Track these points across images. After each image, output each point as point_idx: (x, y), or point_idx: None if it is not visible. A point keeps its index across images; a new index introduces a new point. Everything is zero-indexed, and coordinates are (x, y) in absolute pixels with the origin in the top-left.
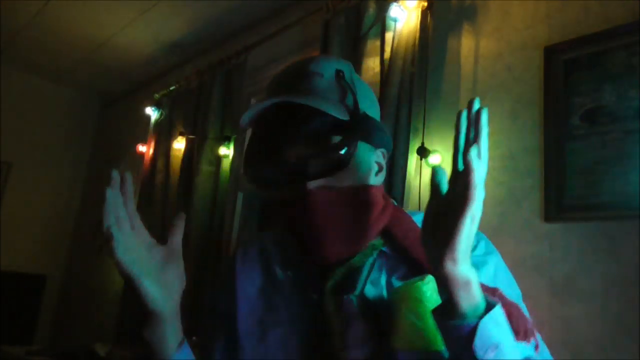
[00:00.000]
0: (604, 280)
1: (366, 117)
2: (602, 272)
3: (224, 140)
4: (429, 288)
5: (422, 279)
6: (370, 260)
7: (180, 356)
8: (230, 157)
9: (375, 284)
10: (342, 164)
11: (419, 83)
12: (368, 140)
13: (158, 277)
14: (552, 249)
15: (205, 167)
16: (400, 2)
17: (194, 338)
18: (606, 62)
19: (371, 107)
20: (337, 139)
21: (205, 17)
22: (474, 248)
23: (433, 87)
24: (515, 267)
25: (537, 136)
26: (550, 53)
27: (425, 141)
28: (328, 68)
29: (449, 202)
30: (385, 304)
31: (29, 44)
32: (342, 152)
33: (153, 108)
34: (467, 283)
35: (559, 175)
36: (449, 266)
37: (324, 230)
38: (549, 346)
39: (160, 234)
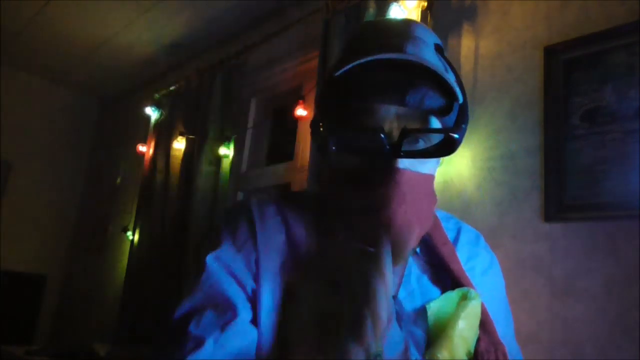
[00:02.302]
0: (604, 280)
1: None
2: (602, 272)
3: (224, 140)
4: (479, 305)
5: (469, 293)
6: (406, 261)
7: None
8: (230, 157)
9: (406, 285)
10: (451, 149)
11: None
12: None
13: None
14: (552, 248)
15: (205, 167)
16: (400, 2)
17: None
18: (606, 62)
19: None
20: (445, 119)
21: (205, 17)
22: (490, 266)
23: None
24: (515, 267)
25: (537, 136)
26: (550, 53)
27: None
28: (430, 38)
29: None
30: (419, 306)
31: (29, 44)
32: (456, 135)
33: (153, 108)
34: None
35: (559, 175)
36: None
37: (400, 212)
38: (549, 346)
39: (160, 234)
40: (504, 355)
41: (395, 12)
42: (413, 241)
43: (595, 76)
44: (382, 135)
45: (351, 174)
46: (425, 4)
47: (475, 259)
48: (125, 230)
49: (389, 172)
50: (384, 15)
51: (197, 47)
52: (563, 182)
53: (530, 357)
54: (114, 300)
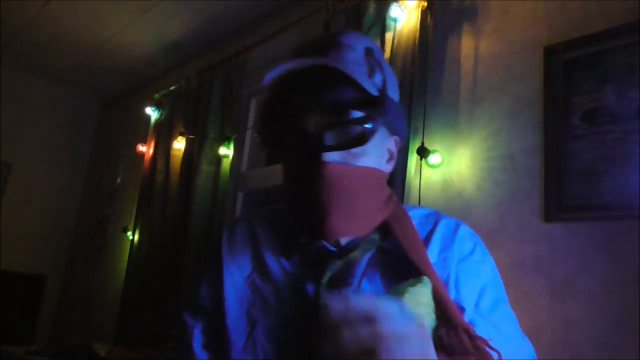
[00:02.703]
0: (603, 280)
1: (389, 100)
2: (602, 272)
3: (224, 140)
4: (429, 292)
5: (420, 282)
6: (369, 255)
7: None
8: (230, 157)
9: (371, 280)
10: (363, 139)
11: (419, 83)
12: (390, 124)
13: None
14: (552, 249)
15: (205, 167)
16: (400, 2)
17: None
18: (606, 62)
19: (395, 94)
20: (360, 113)
21: (205, 17)
22: (470, 253)
23: (433, 87)
24: (515, 267)
25: (537, 136)
26: (550, 53)
27: (425, 141)
28: (359, 43)
29: None
30: None
31: (29, 44)
32: (367, 127)
33: (153, 108)
34: None
35: (559, 175)
36: None
37: (332, 204)
38: (549, 346)
39: (160, 234)
40: (468, 332)
41: (395, 12)
42: (349, 230)
43: (595, 76)
44: (303, 133)
45: (291, 173)
46: (425, 4)
47: (450, 250)
48: (125, 230)
49: (316, 168)
50: (384, 16)
51: (197, 47)
52: (563, 182)
53: None
54: (114, 300)
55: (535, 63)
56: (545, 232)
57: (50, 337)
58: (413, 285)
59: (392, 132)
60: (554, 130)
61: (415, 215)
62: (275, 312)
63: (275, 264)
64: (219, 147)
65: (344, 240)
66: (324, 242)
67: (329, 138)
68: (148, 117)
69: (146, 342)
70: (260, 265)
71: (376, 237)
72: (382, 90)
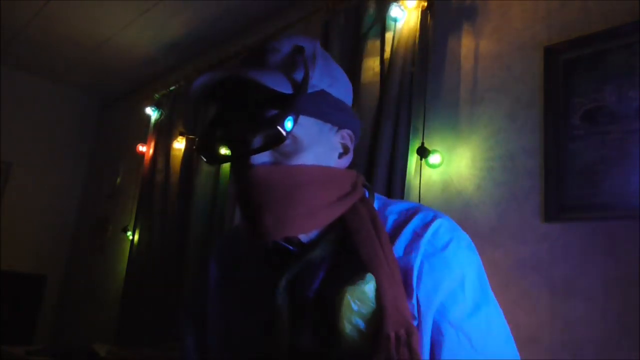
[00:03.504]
0: (603, 280)
1: (321, 94)
2: (602, 272)
3: None
4: (370, 289)
5: (362, 279)
6: (328, 253)
7: None
8: None
9: (331, 281)
10: (280, 137)
11: (419, 83)
12: (325, 117)
13: None
14: (552, 249)
15: (205, 167)
16: (400, 2)
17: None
18: (606, 62)
19: (335, 87)
20: (275, 112)
21: (205, 17)
22: (443, 248)
23: (433, 87)
24: (515, 267)
25: (537, 136)
26: (550, 53)
27: (425, 141)
28: (287, 44)
29: None
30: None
31: (29, 44)
32: (279, 124)
33: (153, 108)
34: None
35: (558, 175)
36: None
37: (260, 206)
38: (549, 346)
39: (160, 234)
40: (409, 334)
41: (395, 12)
42: (287, 230)
43: (595, 76)
44: (224, 141)
45: (230, 177)
46: (425, 4)
47: (417, 243)
48: (125, 230)
49: (244, 171)
50: (384, 16)
51: (197, 47)
52: (563, 183)
53: (530, 357)
54: (114, 300)
55: (535, 63)
56: (545, 232)
57: (50, 337)
58: (353, 283)
59: (339, 125)
60: (554, 131)
61: (394, 210)
62: (247, 314)
63: (250, 270)
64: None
65: (304, 239)
66: (284, 243)
67: (256, 141)
68: (148, 117)
69: (146, 342)
70: (231, 273)
71: (334, 234)
72: (300, 86)
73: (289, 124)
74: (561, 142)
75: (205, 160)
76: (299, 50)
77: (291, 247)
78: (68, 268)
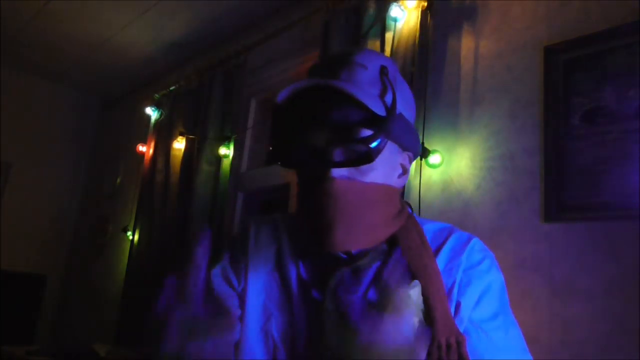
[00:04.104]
0: (603, 280)
1: (401, 118)
2: (602, 272)
3: (223, 140)
4: (415, 292)
5: (409, 285)
6: (377, 264)
7: None
8: (230, 157)
9: (377, 290)
10: (369, 158)
11: (419, 83)
12: (399, 140)
13: None
14: (551, 249)
15: (205, 167)
16: (400, 2)
17: None
18: (606, 62)
19: (408, 110)
20: (367, 132)
21: (205, 17)
22: (478, 263)
23: (433, 87)
24: (515, 267)
25: (537, 136)
26: (550, 53)
27: (425, 141)
28: (373, 61)
29: None
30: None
31: (29, 44)
32: (372, 145)
33: (153, 108)
34: None
35: (558, 175)
36: None
37: (333, 218)
38: (549, 346)
39: (160, 234)
40: (459, 342)
41: (395, 12)
42: (352, 243)
43: (595, 76)
44: (311, 150)
45: (300, 185)
46: (425, 4)
47: (457, 259)
48: (125, 230)
49: (323, 183)
50: (384, 16)
51: (197, 47)
52: (563, 182)
53: None
54: (114, 300)
55: (535, 63)
56: (545, 232)
57: (50, 337)
58: (401, 287)
59: (404, 148)
60: (554, 130)
61: (429, 229)
62: (289, 310)
63: (291, 266)
64: (218, 147)
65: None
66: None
67: (338, 154)
68: (148, 117)
69: (146, 342)
70: (280, 265)
71: (385, 248)
72: (391, 109)
73: (379, 145)
74: (561, 142)
75: (279, 163)
76: (383, 70)
77: (343, 255)
78: (68, 268)
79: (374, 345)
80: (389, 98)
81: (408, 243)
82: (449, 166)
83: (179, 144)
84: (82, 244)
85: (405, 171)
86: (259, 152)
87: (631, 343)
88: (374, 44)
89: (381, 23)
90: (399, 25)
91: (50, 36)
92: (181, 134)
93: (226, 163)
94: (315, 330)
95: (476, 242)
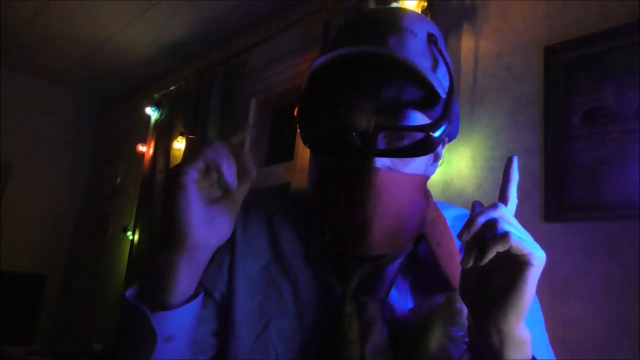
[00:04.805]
0: (604, 280)
1: (451, 100)
2: (602, 272)
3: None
4: (464, 313)
5: (455, 300)
6: (399, 261)
7: (192, 307)
8: None
9: (400, 289)
10: (429, 148)
11: None
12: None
13: (205, 215)
14: (552, 249)
15: None
16: (400, 2)
17: None
18: (606, 62)
19: (452, 87)
20: (421, 115)
21: (205, 17)
22: None
23: None
24: None
25: (537, 136)
26: (550, 53)
27: None
28: (421, 27)
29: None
30: (412, 313)
31: (29, 44)
32: (435, 134)
33: (153, 108)
34: (524, 343)
35: (558, 175)
36: (508, 327)
37: (376, 216)
38: None
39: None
40: None
41: None
42: (390, 245)
43: (595, 76)
44: (354, 134)
45: (329, 173)
46: (425, 4)
47: None
48: (125, 230)
49: (363, 172)
50: None
51: (197, 47)
52: (563, 183)
53: None
54: (114, 300)
55: (535, 63)
56: (545, 232)
57: (50, 337)
58: (450, 303)
59: (448, 134)
60: (554, 130)
61: (449, 217)
62: (293, 313)
63: (294, 259)
64: None
65: None
66: None
67: (386, 141)
68: (148, 117)
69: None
70: (277, 257)
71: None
72: (450, 90)
73: (443, 134)
74: (561, 142)
75: (308, 145)
76: (431, 38)
77: None
78: (68, 268)
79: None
80: (440, 73)
81: (438, 239)
82: (450, 166)
83: (179, 144)
84: (82, 244)
85: (437, 157)
86: (259, 152)
87: (631, 343)
88: None
89: None
90: None
91: (51, 36)
92: (181, 134)
93: None
94: (332, 338)
95: None
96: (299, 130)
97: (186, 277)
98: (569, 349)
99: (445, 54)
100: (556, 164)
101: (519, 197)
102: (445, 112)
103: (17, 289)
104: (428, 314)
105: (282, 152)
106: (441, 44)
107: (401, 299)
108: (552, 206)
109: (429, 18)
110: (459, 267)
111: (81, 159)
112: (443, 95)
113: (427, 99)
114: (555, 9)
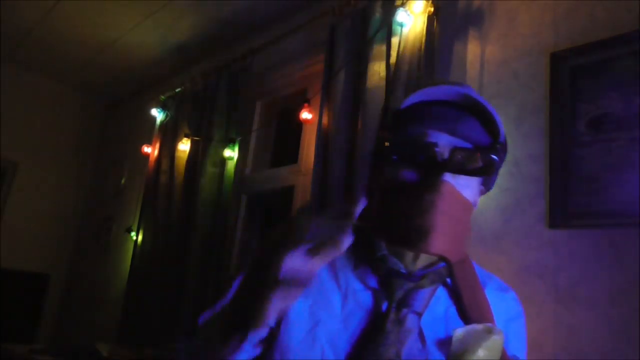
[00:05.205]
0: (608, 287)
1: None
2: (607, 279)
3: (228, 142)
4: (501, 341)
5: (495, 331)
6: (434, 287)
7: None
8: (235, 159)
9: (431, 311)
10: (489, 170)
11: None
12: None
13: None
14: (556, 255)
15: (209, 169)
16: (407, 7)
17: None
18: (612, 68)
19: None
20: (487, 146)
21: (211, 19)
22: (518, 316)
23: None
24: (520, 274)
25: (543, 142)
26: (557, 59)
27: None
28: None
29: None
30: (441, 333)
31: (36, 45)
32: (495, 157)
33: (158, 109)
34: None
35: (564, 181)
36: None
37: (439, 219)
38: (553, 353)
39: (164, 235)
40: None
41: (402, 17)
42: (444, 249)
43: (601, 83)
44: (436, 149)
45: (402, 183)
46: (432, 9)
47: (502, 305)
48: (129, 230)
49: (437, 183)
50: (390, 20)
51: (203, 50)
52: (568, 189)
53: None
54: (117, 300)
55: (542, 69)
56: (549, 238)
57: (53, 336)
58: (488, 332)
59: (485, 182)
60: (560, 137)
61: (491, 287)
62: (339, 317)
63: (344, 268)
64: (223, 149)
65: (415, 267)
66: (398, 262)
67: (456, 161)
68: (153, 119)
69: (149, 342)
70: (329, 264)
71: (443, 272)
72: (503, 135)
73: (499, 162)
74: (567, 149)
75: (394, 156)
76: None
77: (403, 270)
78: (72, 267)
79: None
80: (499, 121)
81: (464, 274)
82: None
83: (184, 146)
84: (86, 244)
85: (475, 204)
86: (264, 155)
87: (635, 350)
88: (380, 49)
89: (387, 27)
90: (405, 30)
91: (58, 38)
92: (186, 136)
93: (231, 165)
94: (374, 342)
95: (513, 292)
96: (384, 143)
97: None
98: (572, 355)
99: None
100: (561, 171)
101: (524, 203)
102: (503, 148)
103: (21, 288)
104: (468, 338)
105: (286, 155)
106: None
107: (431, 321)
108: (557, 213)
109: (435, 24)
110: (481, 308)
111: (86, 159)
112: (502, 137)
113: (489, 139)
114: (562, 16)
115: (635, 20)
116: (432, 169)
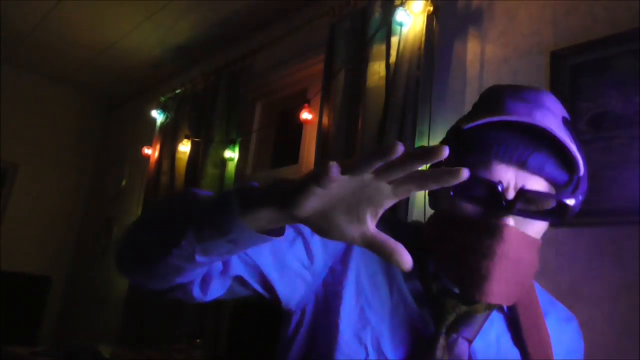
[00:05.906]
0: (609, 285)
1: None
2: (608, 278)
3: (229, 143)
4: None
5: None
6: (488, 312)
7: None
8: (235, 160)
9: (484, 336)
10: (563, 216)
11: (425, 87)
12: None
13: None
14: (557, 254)
15: (210, 170)
16: (406, 7)
17: (198, 340)
18: (612, 67)
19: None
20: (562, 186)
21: (211, 20)
22: (578, 350)
23: (438, 92)
24: None
25: None
26: (556, 58)
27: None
28: (558, 109)
29: None
30: None
31: (36, 46)
32: (571, 203)
33: (159, 111)
34: None
35: None
36: None
37: (499, 267)
38: None
39: None
40: None
41: (401, 17)
42: (503, 298)
43: (601, 81)
44: (500, 190)
45: (459, 217)
46: (431, 8)
47: (563, 337)
48: None
49: (499, 227)
50: (390, 20)
51: (203, 51)
52: None
53: None
54: (119, 302)
55: (542, 68)
56: (551, 237)
57: (54, 338)
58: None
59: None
60: None
61: (556, 317)
62: (388, 325)
63: (398, 276)
64: (224, 150)
65: None
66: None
67: (523, 202)
68: (154, 120)
69: (150, 343)
70: (386, 270)
71: None
72: (584, 170)
73: (576, 205)
74: None
75: (452, 193)
76: (566, 122)
77: (456, 290)
78: (73, 269)
79: None
80: (579, 155)
81: (524, 302)
82: None
83: (185, 147)
84: (87, 246)
85: (540, 234)
86: (264, 156)
87: (637, 347)
88: (379, 48)
89: (387, 27)
90: (405, 29)
91: (58, 39)
92: (186, 137)
93: (231, 166)
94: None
95: (576, 323)
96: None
97: (284, 222)
98: None
99: (576, 138)
100: None
101: None
102: (582, 187)
103: (22, 290)
104: None
105: (287, 156)
106: (572, 128)
107: (483, 347)
108: None
109: (434, 23)
110: (540, 336)
111: (86, 161)
112: (581, 172)
113: (568, 173)
114: (562, 14)
115: (635, 18)
116: (494, 212)
